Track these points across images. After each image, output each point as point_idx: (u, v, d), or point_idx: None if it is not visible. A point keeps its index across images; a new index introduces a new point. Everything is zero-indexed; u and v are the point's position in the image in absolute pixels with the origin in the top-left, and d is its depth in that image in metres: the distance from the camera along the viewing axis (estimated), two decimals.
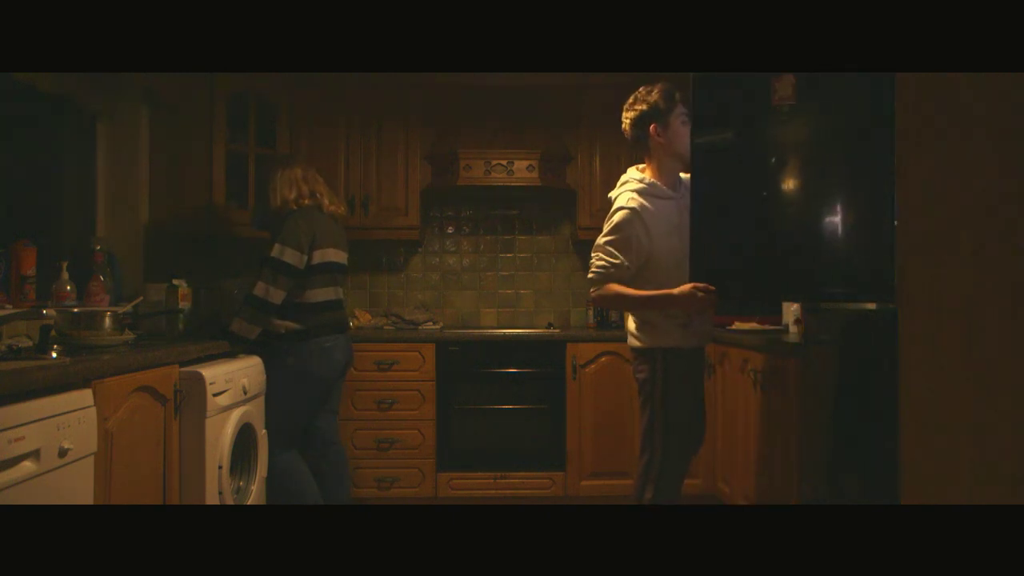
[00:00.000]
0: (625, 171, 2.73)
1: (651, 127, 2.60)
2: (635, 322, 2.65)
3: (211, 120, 3.69)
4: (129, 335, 2.61)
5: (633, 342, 2.68)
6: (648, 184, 2.62)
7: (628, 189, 2.63)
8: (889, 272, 1.97)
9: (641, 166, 2.69)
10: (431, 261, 4.45)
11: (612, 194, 2.73)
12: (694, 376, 2.66)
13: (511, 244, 4.47)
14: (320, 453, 3.21)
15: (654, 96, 2.61)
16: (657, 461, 2.58)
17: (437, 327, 4.06)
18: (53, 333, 2.34)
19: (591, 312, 4.19)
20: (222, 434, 2.68)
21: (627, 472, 3.71)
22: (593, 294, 2.62)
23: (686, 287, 2.46)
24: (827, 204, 2.32)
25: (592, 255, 2.61)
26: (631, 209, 2.56)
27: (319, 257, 3.05)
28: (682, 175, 2.69)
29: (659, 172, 2.64)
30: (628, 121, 2.66)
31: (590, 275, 2.60)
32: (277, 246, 2.96)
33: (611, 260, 2.55)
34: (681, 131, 2.59)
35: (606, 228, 2.60)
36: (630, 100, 2.66)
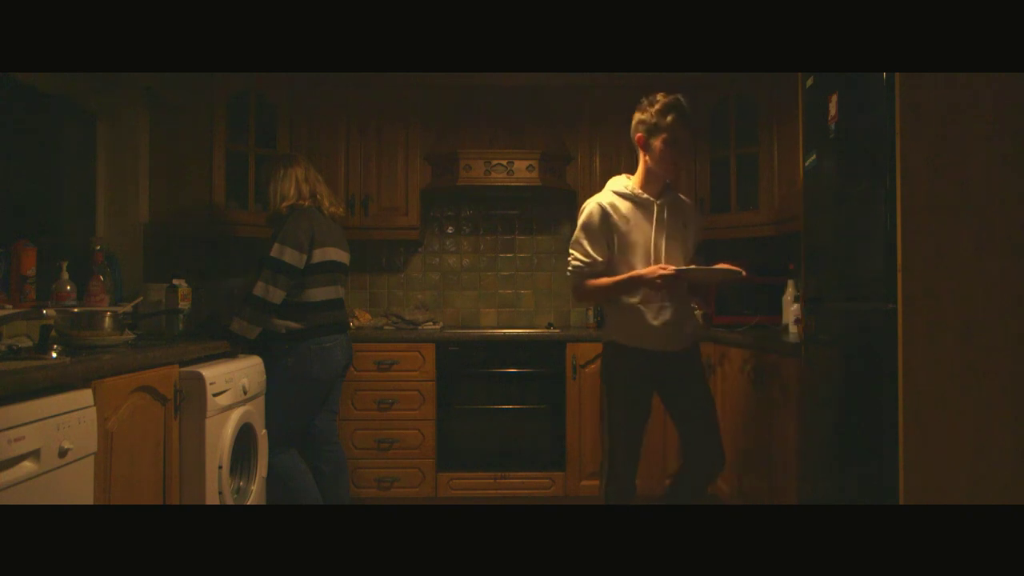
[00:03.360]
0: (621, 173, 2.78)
1: (637, 136, 2.66)
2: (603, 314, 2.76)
3: (211, 120, 3.69)
4: (129, 335, 2.61)
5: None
6: (625, 187, 2.68)
7: (606, 190, 2.72)
8: (889, 272, 1.97)
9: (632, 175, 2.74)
10: (431, 261, 4.45)
11: None
12: (634, 375, 2.65)
13: (511, 244, 4.47)
14: (320, 453, 3.21)
15: (652, 108, 2.62)
16: (607, 453, 2.69)
17: (437, 327, 4.06)
18: (53, 333, 2.33)
19: (591, 312, 4.19)
20: (222, 434, 2.68)
21: None
22: (572, 290, 2.73)
23: (652, 268, 2.56)
24: (844, 209, 2.37)
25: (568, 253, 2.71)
26: (598, 204, 2.64)
27: (320, 256, 3.05)
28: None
29: (643, 179, 2.69)
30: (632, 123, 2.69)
31: (568, 271, 2.70)
32: (277, 246, 2.96)
33: (583, 258, 2.64)
34: (661, 149, 2.60)
35: (577, 225, 2.68)
36: (639, 102, 2.68)
